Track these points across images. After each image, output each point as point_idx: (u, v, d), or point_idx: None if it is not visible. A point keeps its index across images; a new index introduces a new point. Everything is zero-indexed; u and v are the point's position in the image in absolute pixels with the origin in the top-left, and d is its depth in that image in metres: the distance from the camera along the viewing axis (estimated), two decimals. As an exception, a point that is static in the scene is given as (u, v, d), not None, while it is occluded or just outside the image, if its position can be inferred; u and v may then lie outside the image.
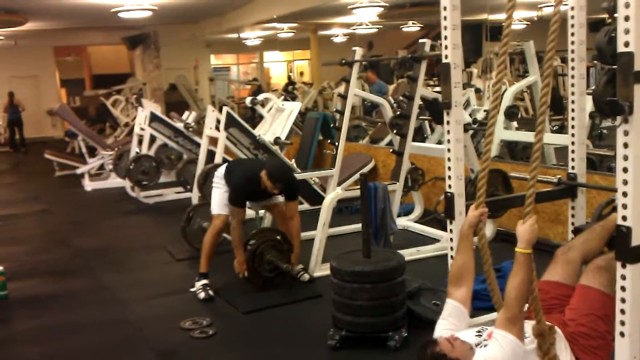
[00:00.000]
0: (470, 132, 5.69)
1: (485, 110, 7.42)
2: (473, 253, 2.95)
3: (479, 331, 2.75)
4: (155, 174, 8.30)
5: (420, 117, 7.87)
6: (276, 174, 4.51)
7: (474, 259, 2.94)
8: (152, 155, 8.40)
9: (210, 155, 6.91)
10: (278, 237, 4.64)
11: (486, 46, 10.79)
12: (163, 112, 10.13)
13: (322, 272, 4.71)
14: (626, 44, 2.37)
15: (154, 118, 8.25)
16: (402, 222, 6.01)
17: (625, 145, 2.43)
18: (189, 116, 8.93)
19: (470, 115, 7.52)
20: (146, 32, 15.38)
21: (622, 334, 2.60)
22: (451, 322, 2.79)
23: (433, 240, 5.46)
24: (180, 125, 8.36)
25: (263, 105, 7.15)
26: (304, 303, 4.38)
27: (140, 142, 8.61)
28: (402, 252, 4.22)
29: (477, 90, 8.70)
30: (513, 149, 7.12)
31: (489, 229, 5.33)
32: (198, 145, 7.53)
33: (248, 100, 7.08)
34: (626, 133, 2.41)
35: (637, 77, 2.36)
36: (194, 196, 6.71)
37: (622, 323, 2.59)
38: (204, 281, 4.59)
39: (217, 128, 6.89)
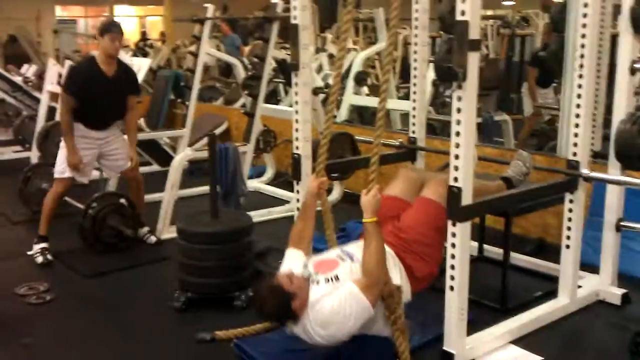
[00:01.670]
0: (322, 96, 5.74)
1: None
2: (313, 220, 3.08)
3: (305, 265, 2.84)
4: (-10, 131, 7.74)
5: (275, 80, 7.87)
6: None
7: (313, 224, 3.07)
8: (-14, 111, 7.80)
9: (51, 112, 6.52)
10: (122, 201, 4.47)
11: (341, 12, 10.95)
12: (1, 65, 9.39)
13: (170, 234, 4.60)
14: (462, 13, 2.50)
15: (-12, 71, 7.64)
16: (254, 184, 6.02)
17: (459, 110, 2.57)
18: (29, 70, 8.33)
19: (323, 80, 7.61)
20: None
21: (451, 288, 2.79)
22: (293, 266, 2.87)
23: (284, 202, 5.51)
24: (18, 80, 7.79)
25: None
26: (150, 266, 4.27)
27: (-28, 97, 7.94)
28: (252, 213, 4.24)
29: (331, 56, 8.82)
30: (362, 114, 7.32)
31: (336, 191, 5.48)
32: (38, 101, 7.05)
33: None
34: (459, 99, 2.55)
35: (471, 45, 2.49)
36: (33, 155, 6.31)
37: (452, 278, 2.78)
38: (43, 244, 4.34)
39: (59, 83, 6.51)
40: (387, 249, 2.83)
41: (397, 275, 2.83)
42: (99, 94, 4.31)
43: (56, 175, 4.45)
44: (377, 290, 2.66)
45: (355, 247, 2.87)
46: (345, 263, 2.78)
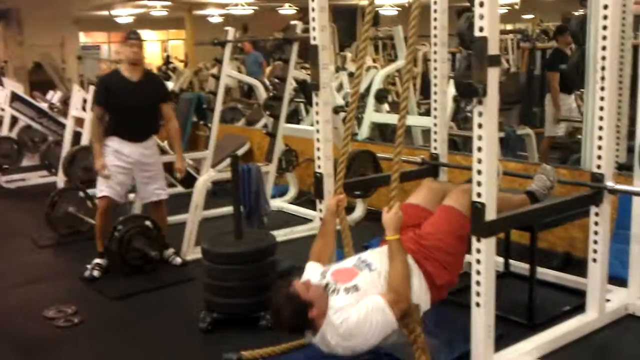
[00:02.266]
0: (342, 114, 5.76)
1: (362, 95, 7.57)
2: (333, 237, 3.11)
3: (322, 273, 2.85)
4: (18, 157, 7.89)
5: (296, 100, 7.93)
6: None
7: (334, 241, 3.11)
8: (13, 137, 7.93)
9: (77, 137, 6.63)
10: (147, 223, 4.51)
11: (360, 31, 11.00)
12: (27, 92, 9.57)
13: (195, 255, 4.63)
14: (481, 29, 2.50)
15: (15, 98, 7.79)
16: (277, 204, 6.04)
17: (480, 126, 2.56)
18: (54, 96, 8.48)
19: (343, 98, 7.64)
20: (7, 7, 14.43)
21: (477, 304, 2.76)
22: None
23: (306, 221, 5.52)
24: (44, 106, 7.94)
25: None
26: (176, 287, 4.29)
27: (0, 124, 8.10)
28: (276, 232, 4.25)
29: (351, 74, 8.85)
30: (384, 132, 7.33)
31: (359, 209, 5.47)
32: (63, 126, 7.18)
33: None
34: (480, 114, 2.55)
35: (490, 60, 2.49)
36: (59, 180, 6.40)
37: (478, 294, 2.75)
38: (97, 260, 4.44)
39: (84, 108, 6.62)
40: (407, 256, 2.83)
41: (416, 282, 2.81)
42: (126, 99, 4.44)
43: (97, 194, 4.59)
44: (403, 306, 2.67)
45: (373, 255, 2.87)
46: (363, 272, 2.78)
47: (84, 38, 19.35)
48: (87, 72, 14.87)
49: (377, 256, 2.84)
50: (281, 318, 2.69)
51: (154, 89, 4.62)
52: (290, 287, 2.70)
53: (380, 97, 7.05)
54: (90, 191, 5.54)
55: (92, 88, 6.18)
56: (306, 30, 5.10)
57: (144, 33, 19.69)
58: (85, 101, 6.56)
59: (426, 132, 6.43)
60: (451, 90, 5.17)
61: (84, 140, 6.33)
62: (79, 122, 6.74)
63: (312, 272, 2.92)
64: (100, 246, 4.49)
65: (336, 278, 2.77)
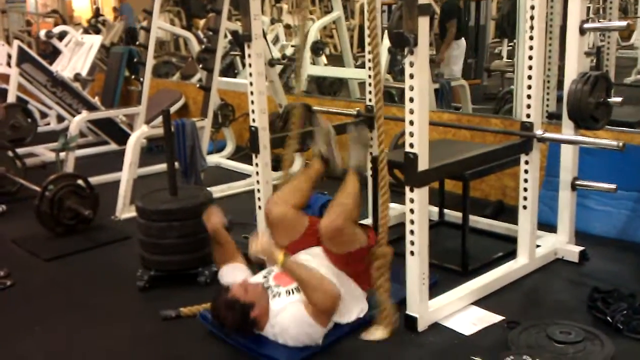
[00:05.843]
0: (279, 67, 5.69)
1: (293, 46, 7.49)
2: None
3: (265, 275, 2.89)
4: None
5: (232, 53, 7.79)
6: None
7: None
8: None
9: (3, 94, 6.36)
10: (79, 182, 4.39)
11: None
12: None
13: (130, 213, 4.56)
14: (410, -22, 2.47)
15: None
16: (214, 159, 5.98)
17: (411, 76, 2.56)
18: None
19: (279, 51, 7.55)
20: None
21: (412, 253, 2.81)
22: None
23: (244, 176, 5.48)
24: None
25: (61, 38, 6.66)
26: (112, 246, 4.21)
27: None
28: (213, 188, 4.21)
29: (287, 26, 8.74)
30: (321, 84, 7.29)
31: (297, 163, 5.46)
32: (-12, 83, 6.87)
33: (42, 33, 6.56)
34: (412, 64, 2.54)
35: (420, 9, 2.48)
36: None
37: (412, 243, 2.79)
38: None
39: (9, 64, 6.35)
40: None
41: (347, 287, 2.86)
42: None
43: None
44: (329, 310, 2.70)
45: (309, 256, 2.90)
46: None
47: (8, -10, 18.41)
48: (12, 26, 14.23)
49: (317, 260, 2.87)
50: (225, 323, 2.72)
51: None
52: (229, 292, 2.72)
53: (317, 49, 7.00)
54: (19, 150, 5.37)
55: (17, 43, 5.93)
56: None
57: (72, -16, 18.81)
58: (9, 56, 6.28)
59: (363, 85, 6.44)
60: (386, 42, 5.15)
61: (10, 98, 6.08)
62: (4, 78, 6.46)
63: (241, 274, 2.99)
64: None
65: (278, 281, 2.81)
